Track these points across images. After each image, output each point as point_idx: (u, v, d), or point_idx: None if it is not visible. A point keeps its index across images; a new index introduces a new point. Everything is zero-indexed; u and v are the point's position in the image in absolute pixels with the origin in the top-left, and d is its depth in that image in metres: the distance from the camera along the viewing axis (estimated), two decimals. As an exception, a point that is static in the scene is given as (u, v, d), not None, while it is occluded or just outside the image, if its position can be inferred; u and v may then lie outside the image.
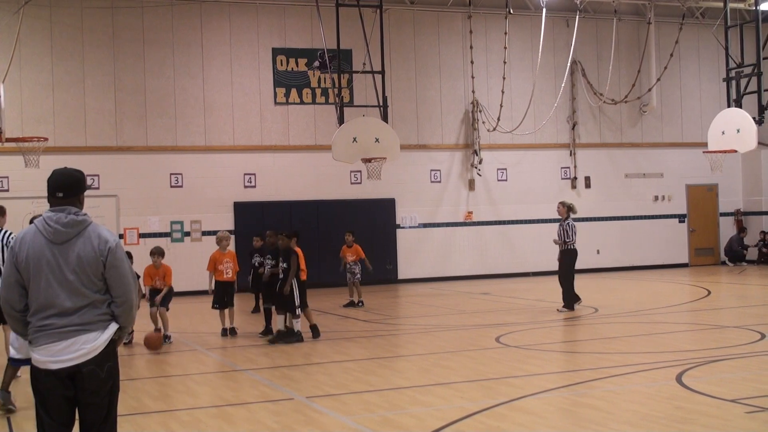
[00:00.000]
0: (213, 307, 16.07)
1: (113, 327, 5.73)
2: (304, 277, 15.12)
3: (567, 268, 18.52)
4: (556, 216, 28.59)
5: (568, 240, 18.40)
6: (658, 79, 28.94)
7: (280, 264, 14.89)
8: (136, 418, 9.33)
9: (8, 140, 18.98)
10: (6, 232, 12.63)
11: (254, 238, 18.39)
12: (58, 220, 5.68)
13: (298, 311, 14.68)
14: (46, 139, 20.49)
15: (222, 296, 15.91)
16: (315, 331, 15.16)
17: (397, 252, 27.15)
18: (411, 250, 27.35)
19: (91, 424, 5.71)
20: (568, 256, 18.52)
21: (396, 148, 21.81)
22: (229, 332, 15.78)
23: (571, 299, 18.33)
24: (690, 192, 30.65)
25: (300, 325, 14.79)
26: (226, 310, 15.93)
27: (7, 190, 23.36)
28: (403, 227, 27.38)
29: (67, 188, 5.78)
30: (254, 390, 10.83)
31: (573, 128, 29.25)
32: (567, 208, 18.72)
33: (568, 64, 27.66)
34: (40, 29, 24.02)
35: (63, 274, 5.60)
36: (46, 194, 5.82)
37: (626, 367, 11.32)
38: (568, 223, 18.54)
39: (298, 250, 15.08)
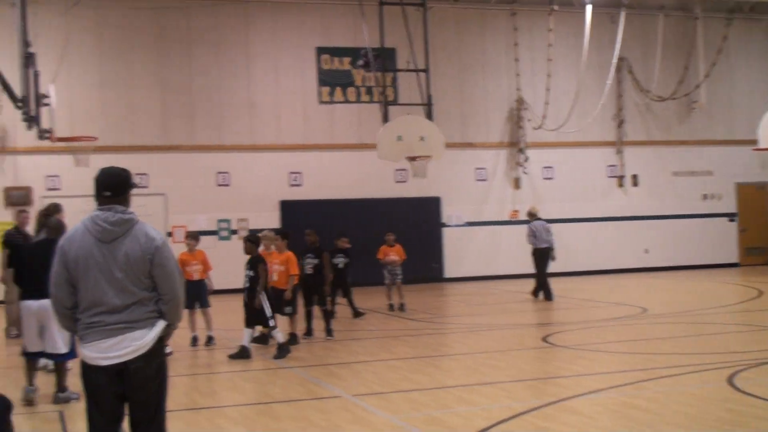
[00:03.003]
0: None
1: (161, 324, 5.77)
2: (296, 280, 14.35)
3: (535, 265, 20.67)
4: (604, 214, 28.67)
5: (529, 241, 20.82)
6: (707, 76, 28.62)
7: (246, 272, 13.52)
8: (185, 414, 9.39)
9: (59, 140, 19.18)
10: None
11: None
12: (105, 219, 5.72)
13: (272, 322, 13.32)
14: (95, 139, 20.70)
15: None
16: (285, 344, 13.50)
17: (442, 251, 27.10)
18: (457, 249, 27.27)
19: (140, 419, 5.77)
20: (533, 255, 20.76)
21: (441, 146, 21.75)
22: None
23: (546, 290, 20.35)
24: (740, 190, 30.24)
25: (281, 335, 13.51)
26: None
27: (59, 189, 23.62)
28: (448, 226, 27.32)
29: (113, 187, 5.83)
30: (301, 387, 10.85)
31: (620, 126, 29.00)
32: (528, 214, 21.33)
33: (614, 61, 27.37)
34: (88, 30, 24.28)
35: (111, 273, 5.65)
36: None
37: (676, 368, 11.18)
38: (528, 226, 20.95)
39: (290, 253, 14.37)
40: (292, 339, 14.38)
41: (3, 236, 16.10)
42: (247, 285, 13.39)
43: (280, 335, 13.38)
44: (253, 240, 13.82)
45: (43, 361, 11.39)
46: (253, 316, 13.33)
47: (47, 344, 10.20)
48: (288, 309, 14.31)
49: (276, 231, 15.11)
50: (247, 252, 13.66)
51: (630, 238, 28.86)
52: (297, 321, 14.61)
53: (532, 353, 13.19)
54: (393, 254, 19.27)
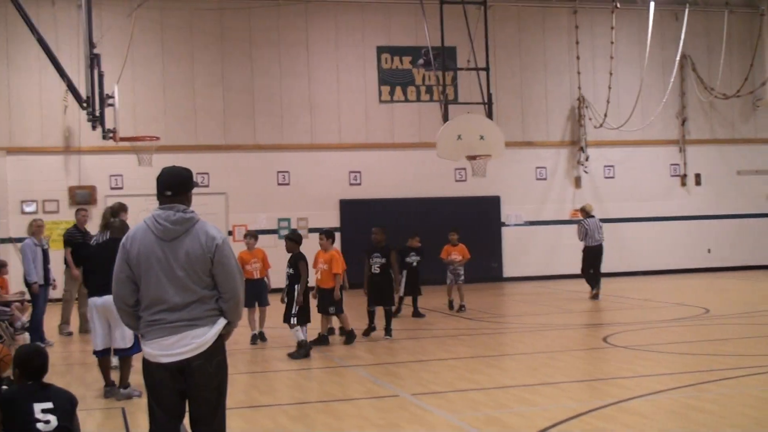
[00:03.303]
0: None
1: (221, 322, 5.84)
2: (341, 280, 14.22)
3: (583, 262, 21.02)
4: (666, 214, 28.27)
5: (581, 239, 21.09)
6: (772, 73, 28.12)
7: (286, 270, 13.52)
8: (245, 411, 9.48)
9: (122, 139, 19.46)
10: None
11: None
12: (166, 217, 5.81)
13: (293, 320, 13.21)
14: (158, 138, 20.94)
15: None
16: (323, 341, 13.85)
17: (502, 250, 26.99)
18: (516, 248, 27.14)
19: (201, 416, 5.84)
20: (585, 252, 21.02)
21: (501, 145, 21.64)
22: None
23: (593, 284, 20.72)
24: (806, 189, 29.67)
25: (302, 335, 13.34)
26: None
27: (122, 188, 23.97)
28: (508, 225, 27.21)
29: (175, 187, 5.92)
30: (360, 386, 10.89)
31: (683, 124, 28.64)
32: (582, 211, 21.57)
33: (677, 59, 26.99)
34: (151, 31, 24.59)
35: (172, 271, 5.73)
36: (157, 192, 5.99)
37: (739, 369, 11.03)
38: (581, 223, 21.20)
39: (336, 252, 14.35)
40: (349, 337, 14.45)
41: (64, 235, 16.47)
42: (287, 283, 13.45)
43: (300, 334, 13.30)
44: (293, 238, 13.75)
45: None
46: (288, 313, 13.39)
47: (113, 340, 10.42)
48: (331, 309, 14.27)
49: (321, 231, 15.08)
50: (288, 250, 13.65)
51: (692, 237, 28.48)
52: (347, 319, 14.54)
53: (592, 353, 13.10)
54: (456, 253, 18.95)
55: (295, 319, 13.25)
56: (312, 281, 14.19)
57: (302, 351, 13.17)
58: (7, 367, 7.90)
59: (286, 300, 13.48)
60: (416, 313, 17.92)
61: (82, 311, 16.57)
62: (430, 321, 17.43)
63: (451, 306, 19.02)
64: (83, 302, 16.60)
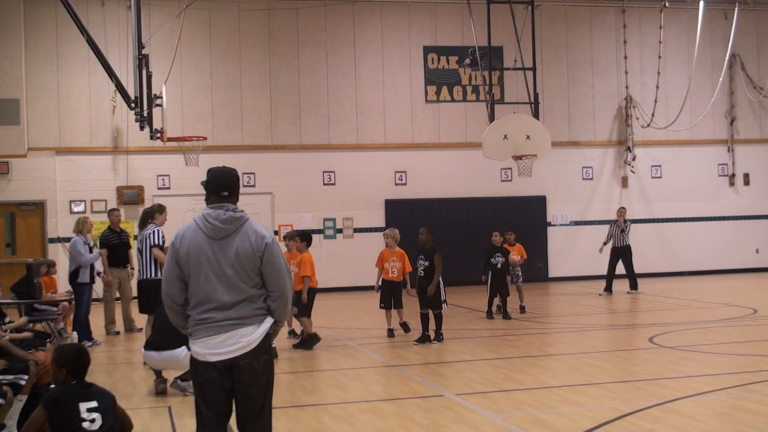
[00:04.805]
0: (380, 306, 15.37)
1: (269, 321, 5.90)
2: (314, 283, 14.17)
3: (626, 262, 22.50)
4: (714, 214, 27.94)
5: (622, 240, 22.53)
6: (824, 72, 27.74)
7: None
8: (290, 411, 9.55)
9: (170, 139, 19.63)
10: (155, 230, 13.24)
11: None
12: (216, 216, 5.87)
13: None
14: (205, 139, 21.11)
15: (388, 296, 15.25)
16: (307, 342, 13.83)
17: (547, 250, 26.87)
18: (562, 248, 27.01)
19: (248, 415, 5.90)
20: (625, 252, 22.49)
21: (547, 144, 21.58)
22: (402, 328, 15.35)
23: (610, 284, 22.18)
24: None
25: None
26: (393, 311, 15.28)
27: (169, 188, 24.20)
28: (554, 225, 27.09)
29: (231, 187, 6.01)
30: (404, 386, 10.92)
31: (731, 123, 28.33)
32: (625, 215, 22.85)
33: (727, 58, 26.74)
34: (199, 32, 24.80)
35: (222, 270, 5.79)
36: (204, 192, 6.06)
37: (787, 371, 10.93)
38: (628, 224, 22.62)
39: (307, 254, 14.07)
40: (311, 340, 14.07)
41: (99, 238, 16.65)
42: None
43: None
44: None
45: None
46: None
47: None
48: (294, 309, 13.85)
49: (297, 232, 14.82)
50: None
51: (740, 237, 28.19)
52: (309, 324, 14.14)
53: (637, 354, 13.02)
54: (514, 253, 18.37)
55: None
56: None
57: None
58: (51, 376, 8.01)
59: None
60: (505, 316, 17.39)
61: (126, 312, 16.82)
62: (475, 321, 17.39)
63: (499, 310, 18.25)
64: (126, 303, 16.84)
